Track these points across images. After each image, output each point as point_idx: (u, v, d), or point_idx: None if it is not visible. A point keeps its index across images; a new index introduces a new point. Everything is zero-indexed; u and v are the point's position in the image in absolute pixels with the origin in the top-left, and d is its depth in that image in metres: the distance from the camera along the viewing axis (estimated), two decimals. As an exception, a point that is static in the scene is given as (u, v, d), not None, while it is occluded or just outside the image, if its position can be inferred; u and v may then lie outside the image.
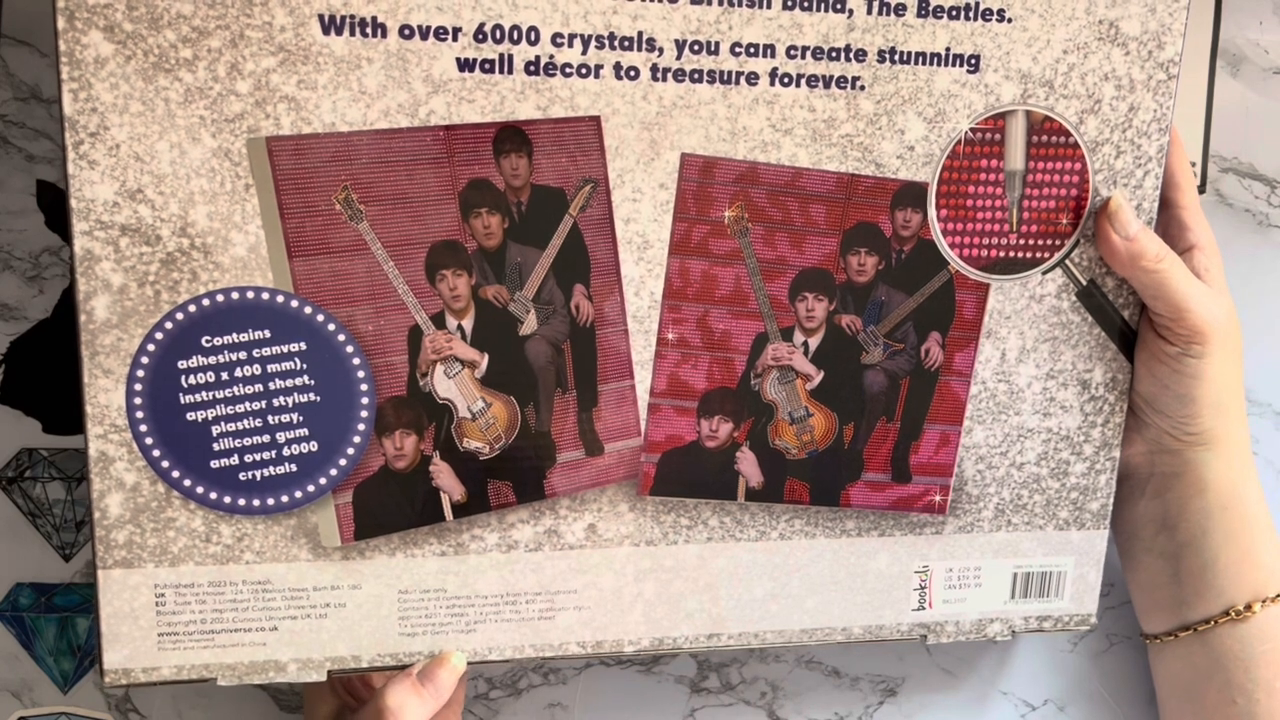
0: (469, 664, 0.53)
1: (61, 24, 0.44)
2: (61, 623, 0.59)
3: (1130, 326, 0.55)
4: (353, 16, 0.46)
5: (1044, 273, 0.54)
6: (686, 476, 0.53)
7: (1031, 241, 0.53)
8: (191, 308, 0.47)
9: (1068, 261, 0.54)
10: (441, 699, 0.50)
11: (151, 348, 0.47)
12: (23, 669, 0.60)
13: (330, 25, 0.45)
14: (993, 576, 0.58)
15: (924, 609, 0.57)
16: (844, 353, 0.53)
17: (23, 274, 0.57)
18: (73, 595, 0.59)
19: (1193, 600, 0.56)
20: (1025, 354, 0.55)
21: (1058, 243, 0.54)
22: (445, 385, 0.50)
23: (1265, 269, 0.66)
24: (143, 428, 0.47)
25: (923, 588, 0.57)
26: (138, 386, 0.47)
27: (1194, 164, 0.63)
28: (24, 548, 0.59)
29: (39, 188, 0.56)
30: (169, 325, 0.47)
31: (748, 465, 0.54)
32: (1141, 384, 0.56)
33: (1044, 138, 0.52)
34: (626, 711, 0.63)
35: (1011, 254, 0.53)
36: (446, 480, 0.51)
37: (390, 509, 0.50)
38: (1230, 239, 0.65)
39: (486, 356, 0.50)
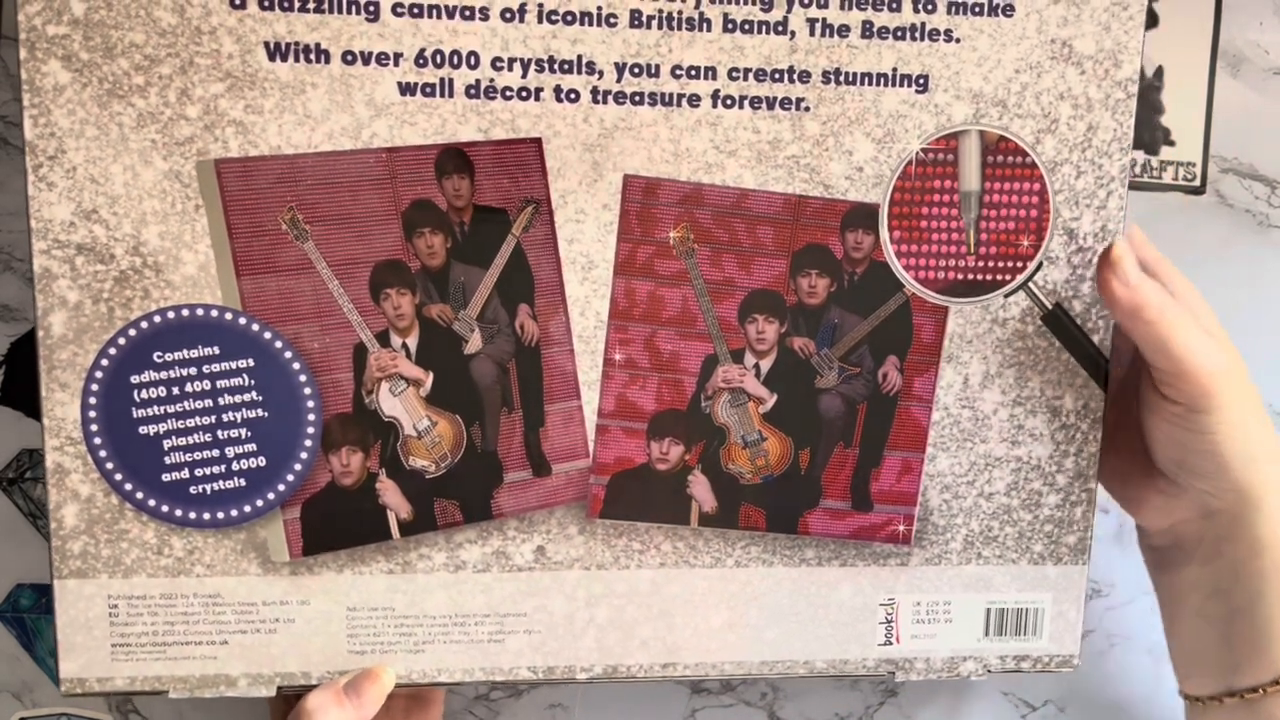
0: (420, 686, 0.53)
1: (23, 54, 0.46)
2: (63, 624, 0.61)
3: (1101, 352, 0.54)
4: (297, 43, 0.47)
5: (1006, 295, 0.53)
6: (637, 499, 0.53)
7: (991, 264, 0.52)
8: (144, 324, 0.48)
9: (1031, 284, 0.53)
10: (365, 713, 0.50)
11: (105, 363, 0.48)
12: (23, 670, 0.61)
13: (276, 52, 0.47)
14: (964, 612, 0.56)
15: (891, 644, 0.55)
16: (797, 376, 0.53)
17: (23, 275, 0.58)
18: (74, 597, 0.60)
19: (1244, 667, 0.53)
20: (989, 379, 0.53)
21: (1019, 265, 0.52)
22: (390, 403, 0.50)
23: (1265, 269, 0.65)
24: (97, 440, 0.49)
25: (889, 621, 0.55)
26: (92, 400, 0.49)
27: (1194, 164, 0.63)
28: (25, 549, 0.60)
29: None
30: (122, 341, 0.48)
31: (700, 489, 0.53)
32: (1163, 449, 0.52)
33: (1000, 158, 0.51)
34: (627, 712, 0.63)
35: (970, 276, 0.52)
36: (393, 498, 0.51)
37: (338, 525, 0.51)
38: (1230, 239, 0.64)
39: (431, 375, 0.51)
